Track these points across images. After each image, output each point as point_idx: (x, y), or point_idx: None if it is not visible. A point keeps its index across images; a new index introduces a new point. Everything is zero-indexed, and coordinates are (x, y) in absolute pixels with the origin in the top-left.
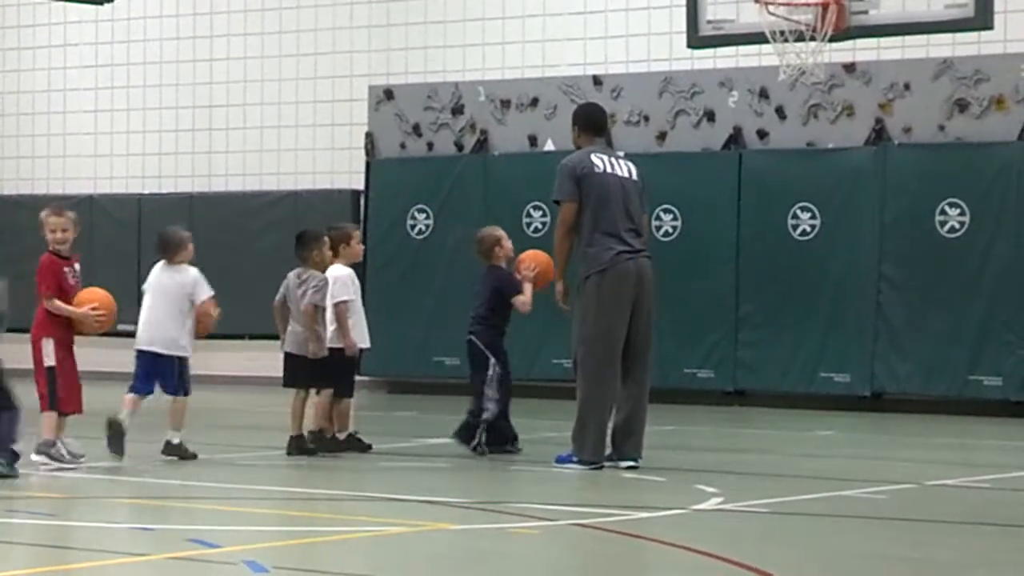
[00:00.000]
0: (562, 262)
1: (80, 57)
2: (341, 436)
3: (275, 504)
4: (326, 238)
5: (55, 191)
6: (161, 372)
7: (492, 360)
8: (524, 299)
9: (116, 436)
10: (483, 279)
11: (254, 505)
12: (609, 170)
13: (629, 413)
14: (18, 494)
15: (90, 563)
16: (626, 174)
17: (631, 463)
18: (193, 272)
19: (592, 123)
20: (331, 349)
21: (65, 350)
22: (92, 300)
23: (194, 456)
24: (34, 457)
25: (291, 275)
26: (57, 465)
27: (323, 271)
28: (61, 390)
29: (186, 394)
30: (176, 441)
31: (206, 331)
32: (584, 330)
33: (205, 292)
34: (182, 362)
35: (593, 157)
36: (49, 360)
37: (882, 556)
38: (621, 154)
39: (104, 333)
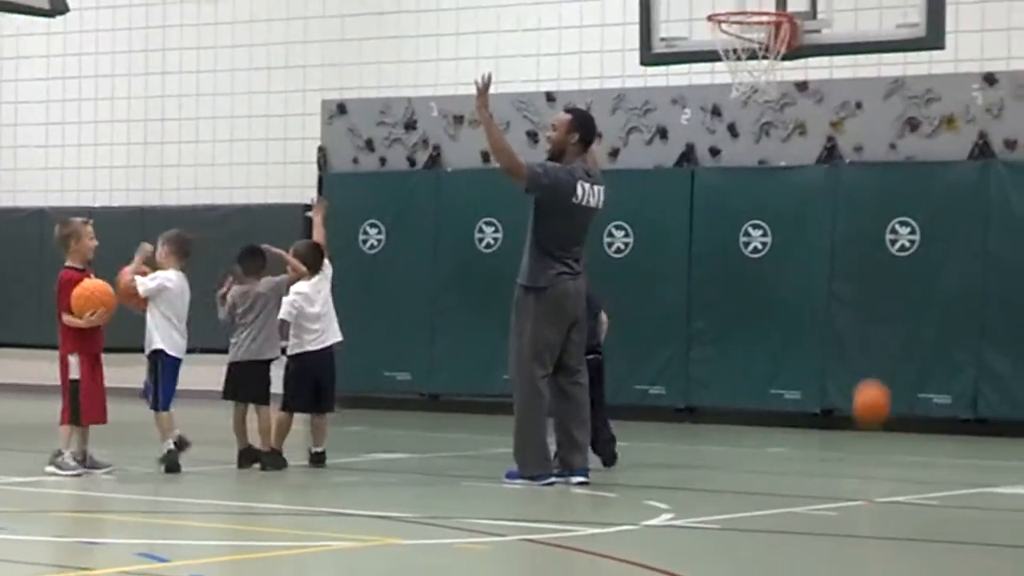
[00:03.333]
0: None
1: (32, 69)
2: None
3: (225, 519)
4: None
5: (6, 203)
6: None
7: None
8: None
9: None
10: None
11: (205, 520)
12: (584, 202)
13: (571, 426)
14: None
15: None
16: (595, 205)
17: (582, 478)
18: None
19: (589, 136)
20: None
21: (91, 363)
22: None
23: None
24: (46, 469)
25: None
26: (66, 474)
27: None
28: (84, 402)
29: (154, 409)
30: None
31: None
32: (520, 344)
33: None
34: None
35: (579, 186)
36: (74, 373)
37: (831, 573)
38: (599, 174)
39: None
